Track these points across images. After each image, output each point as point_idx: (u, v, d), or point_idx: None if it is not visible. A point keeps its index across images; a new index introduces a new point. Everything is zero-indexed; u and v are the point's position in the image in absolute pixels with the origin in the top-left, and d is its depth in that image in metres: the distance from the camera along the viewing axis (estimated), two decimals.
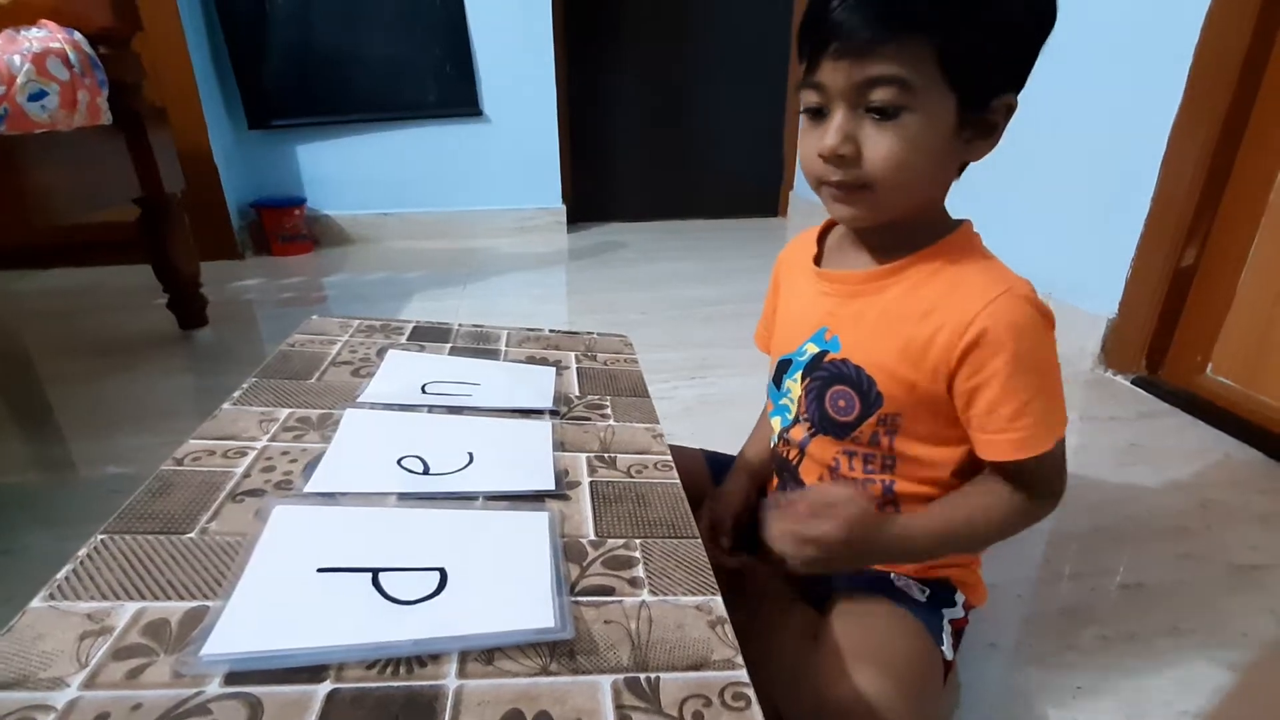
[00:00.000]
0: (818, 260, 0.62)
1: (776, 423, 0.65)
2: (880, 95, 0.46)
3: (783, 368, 0.63)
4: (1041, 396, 0.51)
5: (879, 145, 0.48)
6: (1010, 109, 0.50)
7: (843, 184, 0.51)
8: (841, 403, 0.58)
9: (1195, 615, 0.78)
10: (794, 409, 0.62)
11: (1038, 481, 0.54)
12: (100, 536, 0.40)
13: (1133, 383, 1.36)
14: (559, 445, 0.56)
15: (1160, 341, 1.33)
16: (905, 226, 0.54)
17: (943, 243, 0.54)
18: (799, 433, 0.62)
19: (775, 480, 0.69)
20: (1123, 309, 1.36)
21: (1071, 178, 1.41)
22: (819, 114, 0.50)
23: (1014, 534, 0.55)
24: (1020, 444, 0.51)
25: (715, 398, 1.29)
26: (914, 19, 0.45)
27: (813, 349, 0.59)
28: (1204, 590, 0.82)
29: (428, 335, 0.77)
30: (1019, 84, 0.50)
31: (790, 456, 0.64)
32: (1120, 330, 1.37)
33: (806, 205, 2.74)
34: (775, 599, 0.64)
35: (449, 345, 0.75)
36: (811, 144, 0.51)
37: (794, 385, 0.62)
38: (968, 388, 0.52)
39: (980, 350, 0.50)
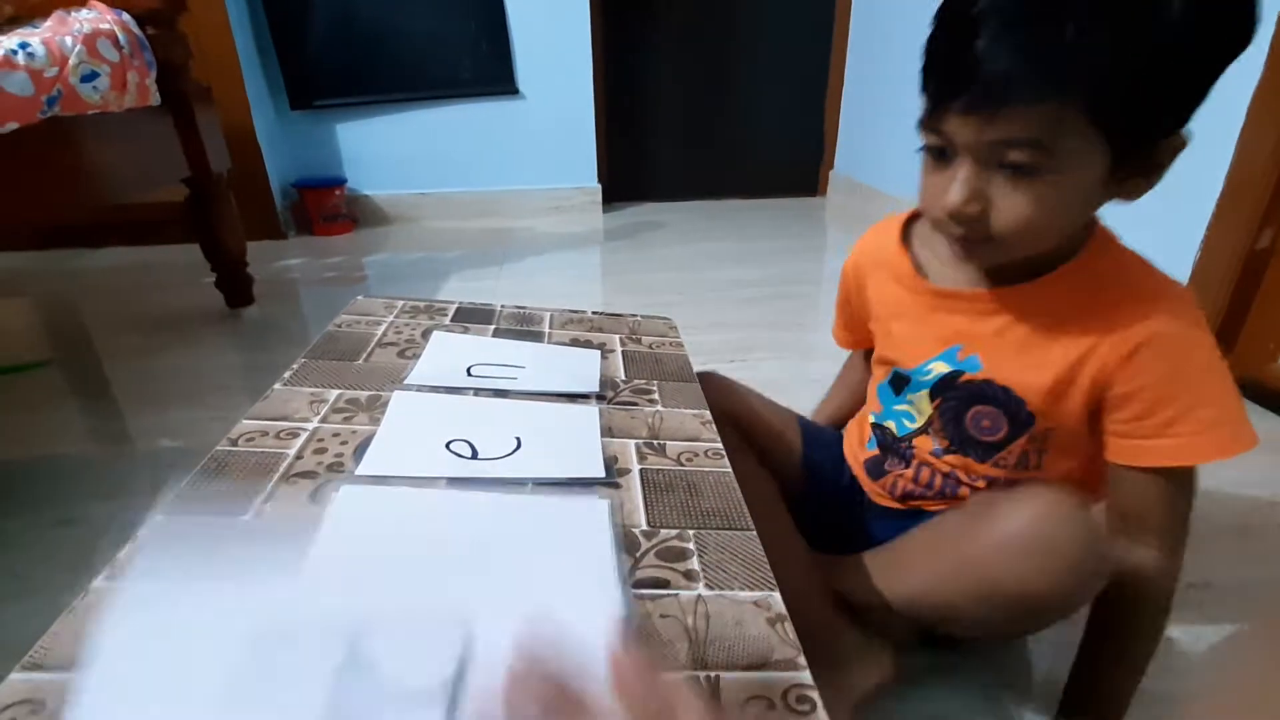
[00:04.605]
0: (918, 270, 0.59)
1: (891, 425, 0.63)
2: (1015, 156, 0.42)
3: (900, 381, 0.61)
4: (1208, 404, 0.47)
5: (1010, 207, 0.44)
6: (1177, 150, 0.44)
7: (965, 239, 0.47)
8: (986, 423, 0.55)
9: (1265, 616, 0.74)
10: (920, 420, 0.60)
11: (1165, 527, 0.50)
12: (158, 516, 0.41)
13: None
14: (606, 431, 0.55)
15: (1230, 328, 1.26)
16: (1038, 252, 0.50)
17: (1087, 253, 0.50)
18: (928, 443, 0.60)
19: (868, 450, 0.66)
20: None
21: None
22: (942, 154, 0.46)
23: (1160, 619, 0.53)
24: (1178, 450, 0.47)
25: (756, 381, 1.25)
26: (1060, 80, 0.39)
27: (942, 367, 0.57)
28: (1274, 590, 0.78)
29: (471, 316, 0.76)
30: (1190, 117, 0.43)
31: (915, 458, 0.62)
32: None
33: (846, 184, 2.67)
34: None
35: (492, 327, 0.74)
36: (934, 189, 0.47)
37: (919, 400, 0.59)
38: (1122, 392, 0.49)
39: (1144, 356, 0.47)
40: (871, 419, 0.66)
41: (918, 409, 0.60)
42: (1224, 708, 0.63)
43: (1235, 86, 1.16)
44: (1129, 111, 0.40)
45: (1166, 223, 1.29)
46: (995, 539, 0.48)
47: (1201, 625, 0.73)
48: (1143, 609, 0.52)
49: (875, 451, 0.66)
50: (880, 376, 0.65)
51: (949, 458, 0.59)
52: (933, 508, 0.62)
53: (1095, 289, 0.50)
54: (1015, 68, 0.39)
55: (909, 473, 0.62)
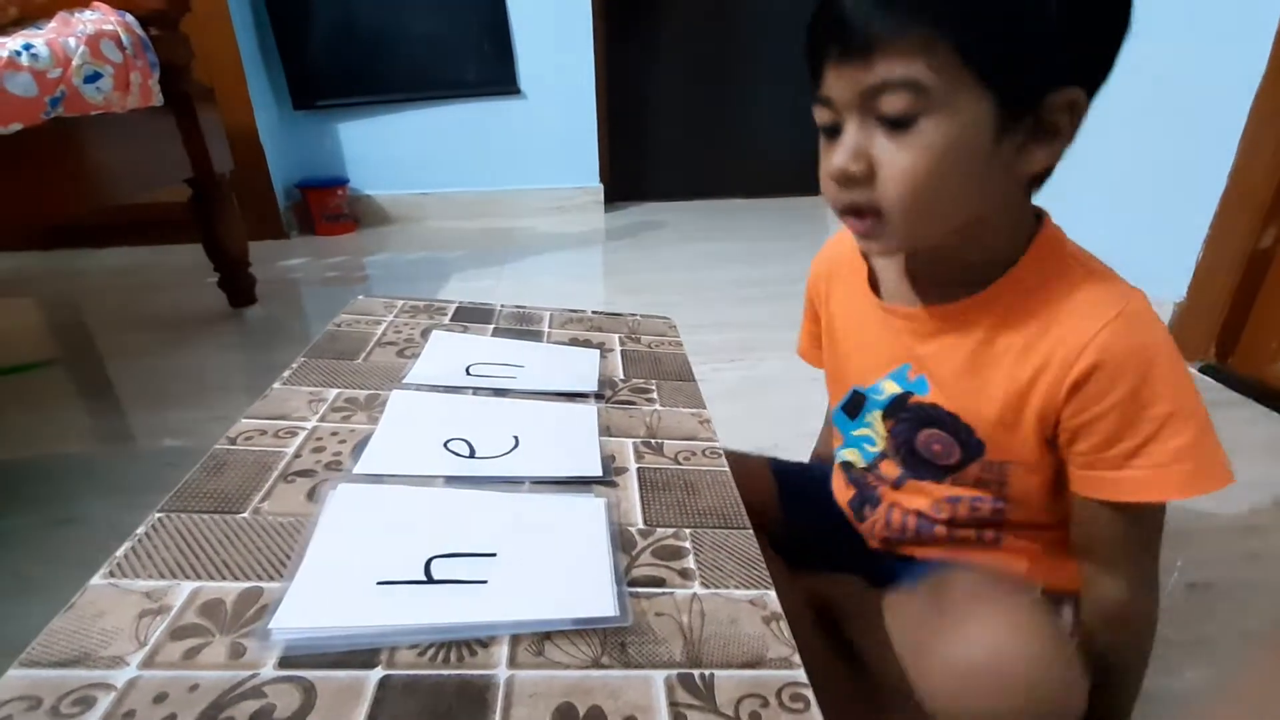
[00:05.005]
0: (873, 284, 0.56)
1: (854, 455, 0.60)
2: (890, 103, 0.40)
3: (856, 401, 0.59)
4: (1172, 433, 0.42)
5: (893, 161, 0.41)
6: (1074, 105, 0.41)
7: (855, 208, 0.44)
8: (937, 447, 0.52)
9: (1265, 616, 0.74)
10: (880, 444, 0.57)
11: (1134, 560, 0.47)
12: (157, 515, 0.41)
13: (1201, 371, 1.29)
14: (604, 430, 0.55)
15: (1232, 327, 1.25)
16: (962, 253, 0.47)
17: (1026, 259, 0.46)
18: (892, 471, 0.57)
19: (848, 489, 0.63)
20: (1192, 292, 1.28)
21: (1139, 151, 1.33)
22: (833, 133, 0.44)
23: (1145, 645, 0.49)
24: (1143, 485, 0.43)
25: (757, 380, 1.27)
26: (921, 9, 0.38)
27: (893, 387, 0.54)
28: (1275, 591, 0.77)
29: (471, 316, 0.76)
30: (1090, 75, 0.41)
31: (881, 492, 0.59)
32: (1189, 315, 1.29)
33: None
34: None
35: (492, 326, 0.74)
36: (824, 165, 0.45)
37: (875, 421, 0.57)
38: (1076, 424, 0.45)
39: (1093, 384, 0.43)
40: (838, 459, 0.63)
41: (876, 431, 0.58)
42: (1224, 708, 0.63)
43: (1238, 87, 1.16)
44: (1003, 52, 0.39)
45: (1169, 222, 1.29)
46: (944, 664, 0.43)
47: (1202, 625, 0.72)
48: (1123, 643, 0.49)
49: (854, 490, 0.63)
50: (834, 400, 0.62)
51: (908, 484, 0.56)
52: (913, 552, 0.59)
53: (1033, 305, 0.46)
54: (879, 3, 0.39)
55: (880, 516, 0.59)
